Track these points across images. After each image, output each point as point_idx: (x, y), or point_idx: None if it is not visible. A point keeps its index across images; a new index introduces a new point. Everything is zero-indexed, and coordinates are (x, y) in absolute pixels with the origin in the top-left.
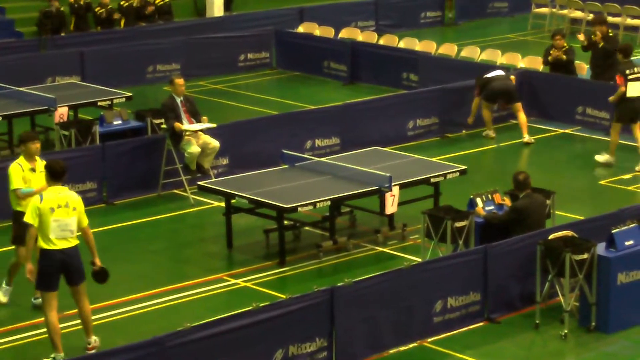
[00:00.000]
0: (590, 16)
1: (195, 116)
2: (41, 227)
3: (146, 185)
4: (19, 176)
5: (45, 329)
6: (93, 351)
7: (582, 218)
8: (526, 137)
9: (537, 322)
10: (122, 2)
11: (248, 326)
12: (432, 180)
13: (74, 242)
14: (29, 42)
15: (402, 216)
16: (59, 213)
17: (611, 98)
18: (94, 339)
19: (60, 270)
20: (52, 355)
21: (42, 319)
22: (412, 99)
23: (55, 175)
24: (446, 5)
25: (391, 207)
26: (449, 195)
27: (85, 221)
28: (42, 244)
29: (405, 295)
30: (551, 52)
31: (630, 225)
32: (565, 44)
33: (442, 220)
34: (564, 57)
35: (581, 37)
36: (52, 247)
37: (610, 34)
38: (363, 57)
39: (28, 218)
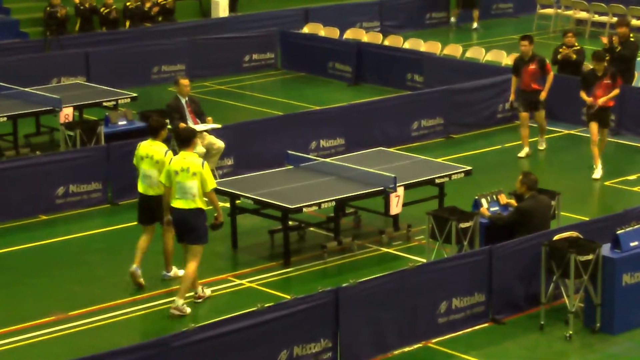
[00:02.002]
0: (595, 17)
1: (200, 117)
2: (170, 187)
3: None
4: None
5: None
6: (199, 300)
7: (587, 219)
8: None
9: (542, 323)
10: (128, 4)
11: (253, 327)
12: (437, 181)
13: (192, 205)
14: (34, 43)
15: (407, 217)
16: (181, 176)
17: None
18: (203, 290)
19: (178, 227)
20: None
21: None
22: (417, 100)
23: (183, 142)
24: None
25: (396, 207)
26: (453, 196)
27: (208, 187)
28: (171, 202)
29: (410, 296)
30: (560, 49)
31: (635, 226)
32: (576, 43)
33: (447, 221)
34: (574, 56)
35: (604, 39)
36: (174, 205)
37: (632, 39)
38: (368, 57)
39: (161, 178)
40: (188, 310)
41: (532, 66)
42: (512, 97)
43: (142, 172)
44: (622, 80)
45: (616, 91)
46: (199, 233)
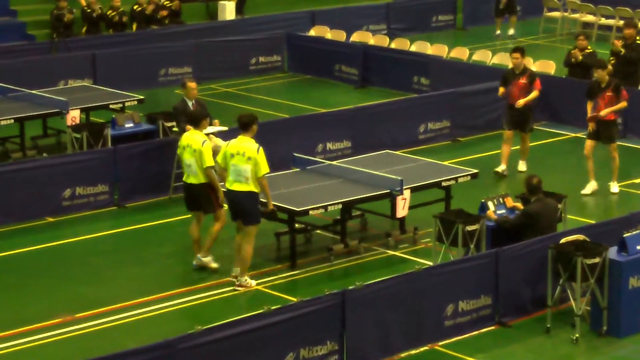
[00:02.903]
0: (602, 20)
1: None
2: (226, 168)
3: (157, 188)
4: (211, 153)
5: None
6: (238, 286)
7: (593, 222)
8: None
9: (548, 326)
10: (135, 7)
11: (259, 329)
12: (444, 183)
13: (245, 188)
14: (40, 45)
15: (413, 220)
16: (236, 159)
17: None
18: (237, 275)
19: (231, 206)
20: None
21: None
22: (423, 103)
23: (242, 126)
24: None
25: (402, 210)
26: (460, 198)
27: (260, 172)
28: (226, 183)
29: (416, 298)
30: (572, 51)
31: None
32: (588, 46)
33: (454, 223)
34: (580, 57)
35: (619, 43)
36: (227, 187)
37: (638, 41)
38: (374, 60)
39: (218, 158)
40: (253, 283)
41: (523, 80)
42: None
43: (183, 162)
44: (631, 83)
45: (622, 104)
46: (252, 214)
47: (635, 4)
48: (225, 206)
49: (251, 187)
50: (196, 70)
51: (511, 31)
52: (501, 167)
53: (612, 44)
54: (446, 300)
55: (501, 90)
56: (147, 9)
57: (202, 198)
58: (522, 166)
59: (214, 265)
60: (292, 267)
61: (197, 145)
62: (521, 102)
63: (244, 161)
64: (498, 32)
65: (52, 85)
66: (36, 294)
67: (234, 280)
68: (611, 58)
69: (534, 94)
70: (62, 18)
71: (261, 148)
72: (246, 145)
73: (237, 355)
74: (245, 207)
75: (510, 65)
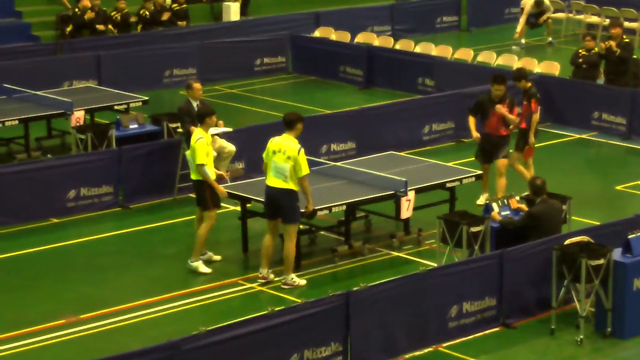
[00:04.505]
0: (607, 21)
1: None
2: (268, 163)
3: (162, 189)
4: (204, 151)
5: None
6: (262, 281)
7: (598, 223)
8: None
9: (553, 327)
10: (142, 12)
11: (263, 330)
12: (448, 185)
13: (284, 185)
14: (45, 46)
15: (418, 221)
16: (277, 157)
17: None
18: (267, 271)
19: (268, 203)
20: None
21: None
22: (427, 104)
23: (286, 124)
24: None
25: (407, 211)
26: (464, 200)
27: (301, 173)
28: (266, 179)
29: (421, 300)
30: (580, 51)
31: None
32: (594, 47)
33: (458, 225)
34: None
35: (603, 44)
36: (267, 182)
37: (626, 40)
38: (379, 61)
39: (264, 154)
40: (302, 282)
41: (503, 108)
42: (474, 133)
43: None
44: (625, 82)
45: (535, 118)
46: (290, 213)
47: None
48: (223, 206)
49: (290, 185)
50: (201, 71)
51: (549, 39)
52: (484, 197)
53: (605, 45)
54: (450, 302)
55: (472, 120)
56: (142, 12)
57: (197, 194)
58: (481, 199)
59: (205, 270)
60: (297, 268)
61: (192, 142)
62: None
63: (284, 159)
64: (523, 41)
65: (57, 86)
66: (40, 295)
67: (261, 280)
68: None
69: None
70: (66, 19)
71: (302, 150)
72: (288, 144)
73: (241, 356)
74: (282, 205)
75: (494, 96)
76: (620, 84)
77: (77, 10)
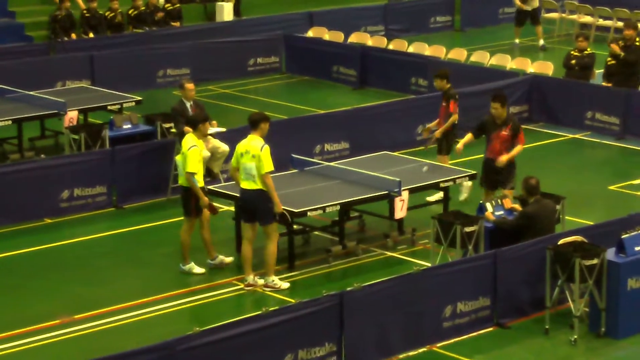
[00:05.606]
0: (600, 21)
1: None
2: (238, 168)
3: (155, 189)
4: (196, 160)
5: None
6: (249, 288)
7: (591, 223)
8: None
9: (547, 327)
10: (130, 12)
11: (257, 330)
12: (442, 185)
13: (254, 186)
14: (38, 46)
15: (412, 221)
16: (245, 159)
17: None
18: (253, 278)
19: (242, 206)
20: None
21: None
22: (421, 104)
23: (251, 124)
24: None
25: (400, 211)
26: (458, 200)
27: (263, 170)
28: (240, 183)
29: (415, 300)
30: (572, 52)
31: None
32: (587, 47)
33: (452, 225)
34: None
35: (616, 46)
36: (242, 185)
37: (637, 43)
38: (372, 61)
39: (232, 161)
40: (283, 285)
41: (504, 132)
42: (460, 145)
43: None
44: (629, 85)
45: (518, 148)
46: (264, 213)
47: (633, 5)
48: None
49: (259, 186)
50: (194, 71)
51: (541, 42)
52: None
53: (610, 47)
54: (445, 302)
55: (468, 135)
56: (131, 11)
57: (183, 199)
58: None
59: (199, 270)
60: (290, 268)
61: (185, 149)
62: (503, 159)
63: (250, 159)
64: (517, 41)
65: (50, 86)
66: (34, 295)
67: (247, 288)
68: (609, 59)
69: (518, 149)
70: (59, 19)
71: (266, 146)
72: (253, 144)
73: (235, 356)
74: (257, 206)
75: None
76: (629, 87)
77: (64, 12)
